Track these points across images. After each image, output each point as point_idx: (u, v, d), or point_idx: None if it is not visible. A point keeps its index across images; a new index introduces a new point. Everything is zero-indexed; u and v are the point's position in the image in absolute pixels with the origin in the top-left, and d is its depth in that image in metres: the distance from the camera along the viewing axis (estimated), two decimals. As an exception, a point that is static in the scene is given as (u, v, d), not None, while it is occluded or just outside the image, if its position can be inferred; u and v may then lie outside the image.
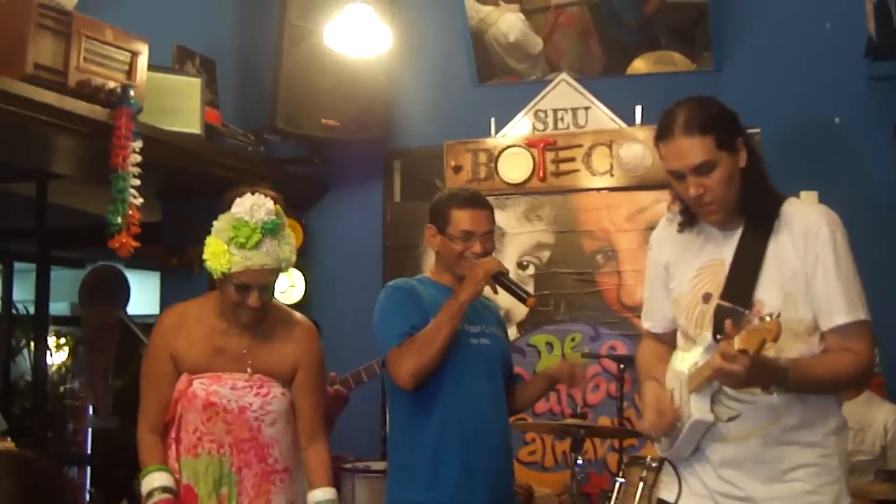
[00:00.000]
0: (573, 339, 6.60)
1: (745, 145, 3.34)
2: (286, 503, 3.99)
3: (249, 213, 3.76)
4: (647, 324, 3.76)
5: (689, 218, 3.48)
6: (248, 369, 3.95)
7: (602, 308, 6.56)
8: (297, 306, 6.67)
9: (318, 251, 7.20)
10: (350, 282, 7.07)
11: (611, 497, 5.08)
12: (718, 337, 3.21)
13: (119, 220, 5.03)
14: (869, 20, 5.88)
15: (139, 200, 5.12)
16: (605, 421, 6.30)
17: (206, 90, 6.20)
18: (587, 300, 6.61)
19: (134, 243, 5.11)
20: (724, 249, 3.41)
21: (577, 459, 5.23)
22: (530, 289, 6.57)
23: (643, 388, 3.57)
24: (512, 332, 6.50)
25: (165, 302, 6.35)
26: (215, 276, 3.84)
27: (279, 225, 3.85)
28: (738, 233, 3.39)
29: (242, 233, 3.75)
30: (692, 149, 3.26)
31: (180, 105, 5.91)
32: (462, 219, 4.19)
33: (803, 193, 6.15)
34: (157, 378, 3.96)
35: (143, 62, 5.27)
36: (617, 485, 5.08)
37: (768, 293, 3.29)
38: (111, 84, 5.07)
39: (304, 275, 7.03)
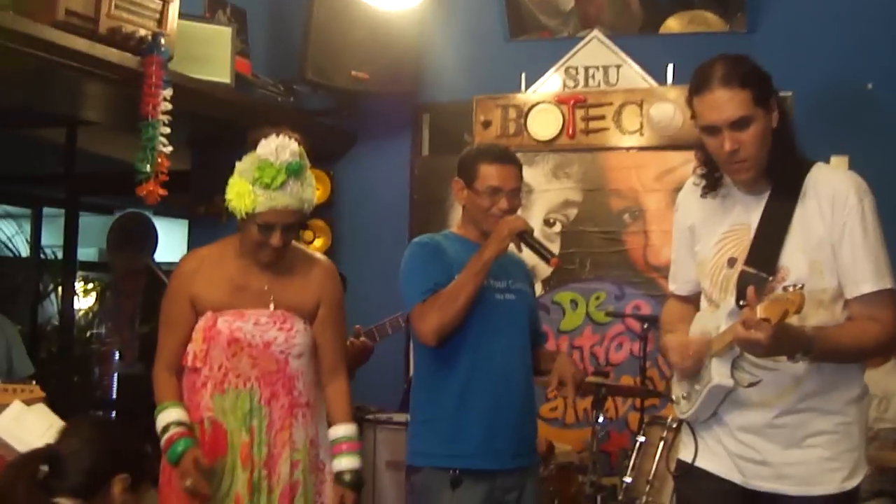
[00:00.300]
0: (598, 298, 6.60)
1: (778, 106, 3.32)
2: (306, 438, 4.01)
3: (275, 154, 3.78)
4: (672, 286, 3.76)
5: (712, 182, 3.46)
6: (271, 305, 3.98)
7: (628, 267, 6.56)
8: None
9: (346, 203, 7.20)
10: (377, 235, 7.09)
11: (630, 456, 5.11)
12: (742, 303, 3.21)
13: (147, 167, 5.05)
14: (906, -17, 5.83)
15: (168, 149, 5.13)
16: (627, 380, 6.30)
17: (237, 39, 6.19)
18: (613, 259, 6.61)
19: (161, 191, 5.12)
20: (750, 214, 3.39)
21: (597, 417, 5.25)
22: (556, 246, 6.59)
23: (664, 338, 3.58)
24: (537, 289, 6.47)
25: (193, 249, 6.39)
26: (238, 217, 3.86)
27: (303, 166, 3.88)
28: (765, 197, 3.36)
29: (267, 173, 3.77)
30: (731, 102, 3.22)
31: (211, 54, 5.90)
32: (490, 174, 4.17)
33: (834, 158, 6.13)
34: (175, 320, 3.99)
35: (174, 10, 5.25)
36: (637, 444, 5.11)
37: (793, 260, 3.28)
38: (142, 32, 5.06)
39: (330, 227, 7.05)
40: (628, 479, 5.03)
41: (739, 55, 3.33)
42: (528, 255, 4.24)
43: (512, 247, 4.25)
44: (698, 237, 3.54)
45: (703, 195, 3.48)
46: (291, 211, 3.87)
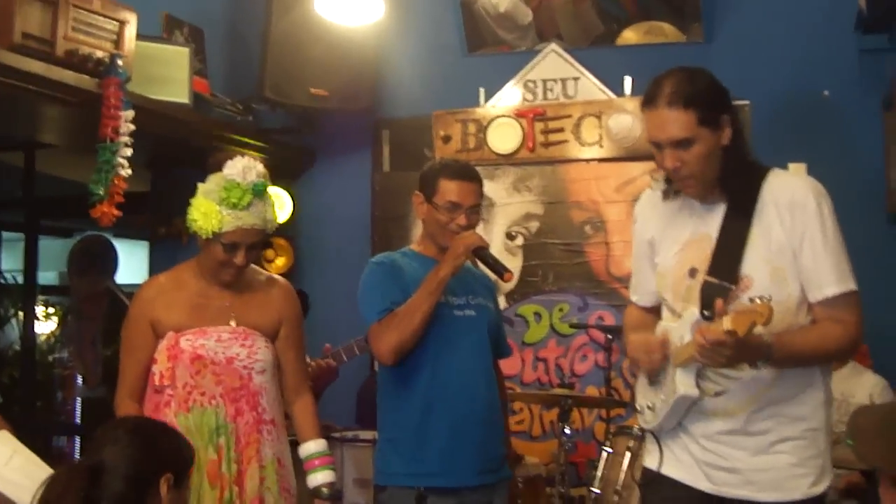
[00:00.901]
0: (561, 310, 6.62)
1: (731, 123, 3.31)
2: (273, 456, 4.00)
3: (242, 175, 3.86)
4: (634, 296, 3.75)
5: (674, 186, 3.46)
6: (233, 322, 4.00)
7: (590, 278, 6.58)
8: (284, 275, 6.70)
9: (307, 221, 7.19)
10: (338, 252, 7.08)
11: (598, 466, 5.11)
12: (706, 313, 3.22)
13: (102, 190, 5.03)
14: (860, -7, 5.89)
15: (127, 171, 5.11)
16: (592, 391, 6.32)
17: (195, 59, 6.18)
18: (575, 270, 6.63)
19: (115, 212, 5.10)
20: (709, 224, 3.39)
21: (564, 429, 5.27)
22: (518, 259, 6.62)
23: (628, 339, 3.60)
24: (500, 302, 6.47)
25: (154, 271, 6.32)
26: (203, 236, 3.88)
27: (266, 186, 3.96)
28: (723, 207, 3.37)
29: (234, 194, 3.83)
30: (673, 122, 3.23)
31: (169, 74, 5.89)
32: (450, 189, 4.17)
33: (792, 165, 6.15)
34: (137, 345, 3.99)
35: (131, 31, 5.25)
36: (604, 454, 5.11)
37: (755, 268, 3.28)
38: (99, 53, 5.05)
39: (291, 245, 7.04)
40: (596, 490, 5.03)
41: (696, 70, 3.33)
42: (514, 268, 4.24)
43: (473, 265, 4.27)
44: (658, 249, 3.54)
45: (664, 198, 3.48)
46: (257, 230, 3.93)
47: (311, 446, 4.11)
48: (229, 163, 3.89)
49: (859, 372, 5.51)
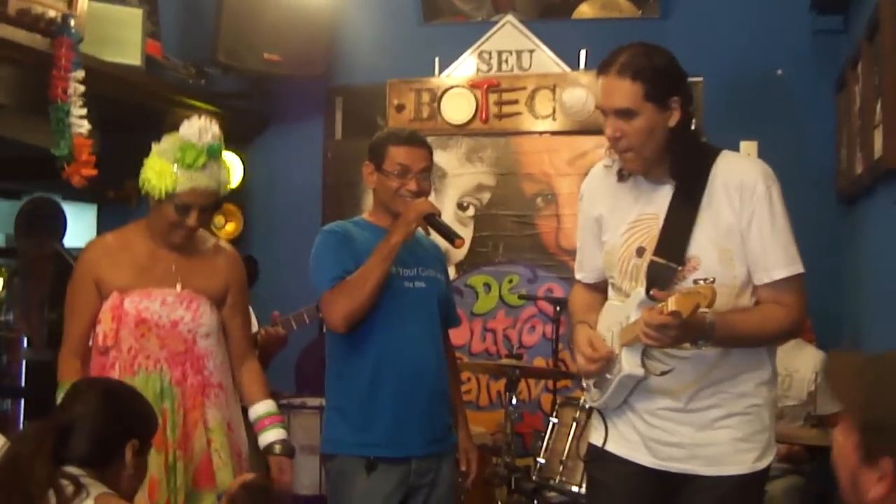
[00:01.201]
0: (511, 281, 6.64)
1: (682, 106, 3.30)
2: (221, 419, 3.99)
3: (197, 136, 3.83)
4: (579, 274, 3.75)
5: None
6: (178, 285, 3.97)
7: (540, 250, 6.60)
8: (234, 242, 6.67)
9: (258, 187, 7.16)
10: (289, 218, 7.06)
11: (544, 437, 5.14)
12: (652, 293, 3.22)
13: (65, 150, 4.98)
14: (814, -27, 5.92)
15: (85, 129, 5.07)
16: (540, 362, 6.35)
17: (148, 21, 6.13)
18: (526, 242, 6.65)
19: (90, 171, 5.07)
20: (657, 203, 3.38)
21: (511, 399, 5.29)
22: (469, 230, 6.63)
23: (575, 331, 3.56)
24: (450, 273, 6.51)
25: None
26: (156, 196, 3.85)
27: (221, 149, 3.94)
28: (672, 187, 3.36)
29: (189, 154, 3.81)
30: (618, 91, 3.24)
31: (121, 36, 5.84)
32: (398, 154, 4.16)
33: (743, 143, 6.22)
34: (81, 304, 3.96)
35: (84, -9, 5.19)
36: (550, 425, 5.13)
37: (703, 249, 3.28)
38: (51, 13, 4.98)
39: (242, 211, 7.01)
40: (541, 460, 5.06)
41: (657, 48, 3.32)
42: (439, 238, 4.24)
43: (424, 232, 4.27)
44: (606, 226, 3.53)
45: (619, 179, 3.46)
46: (210, 192, 3.90)
47: (260, 407, 4.10)
48: (185, 123, 3.86)
49: (802, 347, 5.56)
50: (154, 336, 3.89)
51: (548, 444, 5.09)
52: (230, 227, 6.93)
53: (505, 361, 5.63)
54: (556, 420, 5.12)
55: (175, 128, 3.88)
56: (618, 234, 3.46)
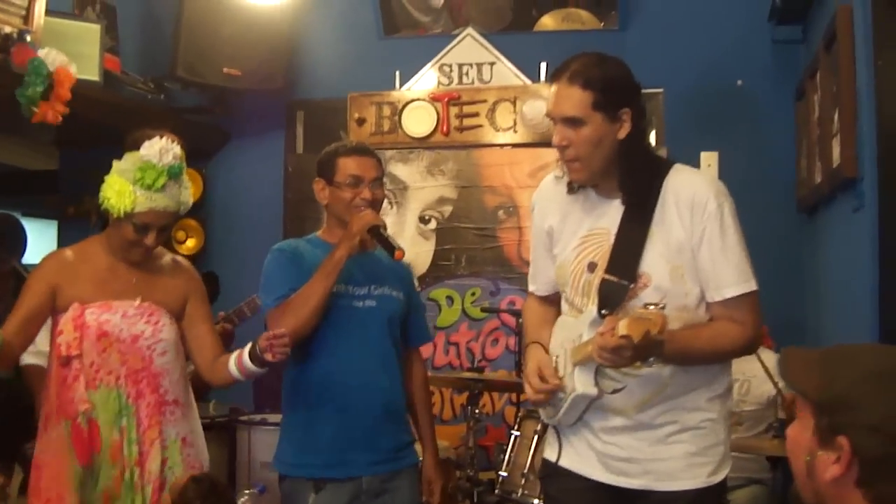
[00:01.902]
0: (473, 294, 6.63)
1: (634, 119, 3.27)
2: (176, 435, 3.96)
3: (158, 156, 3.81)
4: (532, 286, 3.73)
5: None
6: (138, 298, 3.94)
7: (502, 263, 6.60)
8: (195, 257, 6.65)
9: (219, 202, 7.13)
10: (250, 234, 7.03)
11: (506, 450, 5.13)
12: (603, 312, 3.21)
13: (41, 87, 4.91)
14: (773, -17, 5.95)
15: (65, 62, 5.02)
16: (503, 374, 6.33)
17: (107, 36, 6.08)
18: (488, 255, 6.65)
19: (61, 109, 5.03)
20: (609, 218, 3.35)
21: (473, 412, 5.28)
22: (431, 243, 6.62)
23: (527, 352, 3.54)
24: (413, 286, 6.54)
25: (62, 251, 6.28)
26: (115, 214, 3.82)
27: (182, 169, 3.93)
28: (623, 202, 3.34)
29: (149, 175, 3.79)
30: (567, 99, 3.22)
31: (79, 51, 5.77)
32: (349, 165, 4.12)
33: (704, 154, 6.26)
34: (26, 298, 3.89)
35: (41, 7, 5.15)
36: (512, 437, 5.12)
37: (654, 266, 3.26)
38: (7, 29, 4.95)
39: (203, 226, 6.97)
40: (504, 474, 5.05)
41: (611, 59, 3.29)
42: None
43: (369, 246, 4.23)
44: (557, 239, 3.50)
45: (569, 191, 3.43)
46: (169, 213, 3.90)
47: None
48: (146, 143, 3.83)
49: (761, 352, 5.57)
50: (115, 351, 3.87)
51: (510, 457, 5.08)
52: (191, 243, 6.90)
53: (466, 374, 5.63)
54: (517, 433, 5.11)
55: (136, 142, 3.85)
56: (569, 248, 3.44)
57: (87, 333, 3.85)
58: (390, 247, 4.02)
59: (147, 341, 3.92)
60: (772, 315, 5.64)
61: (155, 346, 3.94)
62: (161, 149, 3.82)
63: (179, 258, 4.27)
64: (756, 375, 5.40)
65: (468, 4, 6.97)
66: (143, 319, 3.93)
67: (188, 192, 4.00)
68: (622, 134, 3.26)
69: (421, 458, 4.35)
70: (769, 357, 5.41)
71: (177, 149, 3.89)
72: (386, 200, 4.14)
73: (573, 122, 3.22)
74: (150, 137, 3.86)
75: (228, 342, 5.08)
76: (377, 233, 4.03)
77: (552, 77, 3.30)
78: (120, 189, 3.79)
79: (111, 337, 3.86)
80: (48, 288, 3.89)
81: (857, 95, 4.39)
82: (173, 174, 3.86)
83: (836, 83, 4.77)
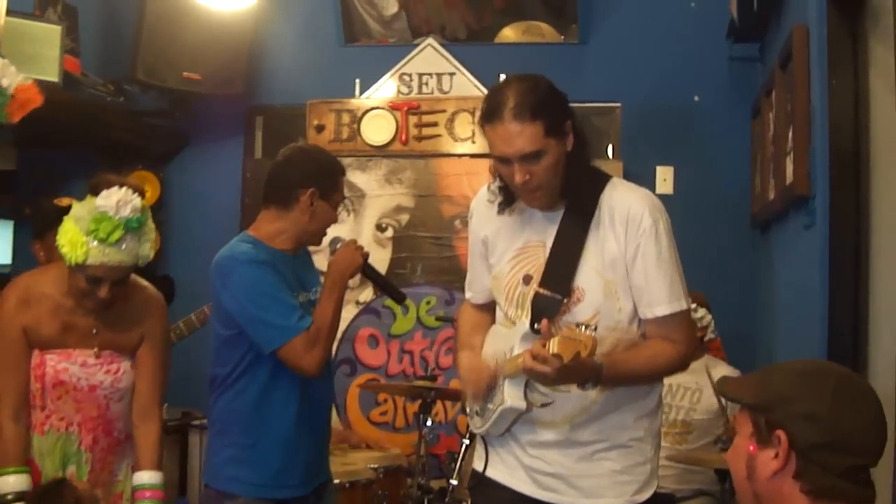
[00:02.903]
0: (428, 303, 6.65)
1: (573, 128, 3.26)
2: (126, 466, 3.99)
3: (115, 209, 3.65)
4: (468, 293, 3.72)
5: (508, 198, 3.37)
6: (95, 349, 3.87)
7: (458, 272, 6.59)
8: (152, 261, 6.62)
9: (176, 206, 7.11)
10: (207, 238, 6.92)
11: (456, 458, 5.14)
12: (536, 326, 3.20)
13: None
14: (731, 2, 6.00)
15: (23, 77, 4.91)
16: (456, 383, 6.33)
17: (67, 38, 6.05)
18: (444, 264, 6.67)
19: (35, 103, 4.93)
20: (544, 232, 3.35)
21: (425, 421, 5.29)
22: (387, 252, 6.65)
23: (459, 356, 3.53)
24: (367, 293, 6.56)
25: (18, 252, 6.22)
26: (67, 264, 3.70)
27: (143, 221, 3.76)
28: (559, 215, 3.33)
29: (104, 228, 3.64)
30: (521, 136, 3.12)
31: (39, 52, 5.76)
32: (344, 187, 4.14)
33: (660, 168, 6.30)
34: (15, 358, 3.81)
35: (1, 6, 5.13)
36: (463, 446, 5.14)
37: (588, 280, 3.26)
38: (-33, 28, 4.94)
39: (159, 230, 6.93)
40: (454, 482, 5.06)
41: (534, 77, 3.24)
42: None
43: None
44: (492, 250, 3.49)
45: (500, 211, 3.40)
46: (124, 267, 3.75)
47: (145, 476, 3.91)
48: (104, 192, 3.67)
49: (714, 364, 5.60)
50: (71, 399, 3.84)
51: (460, 465, 5.10)
52: (147, 247, 6.86)
53: (418, 383, 5.64)
54: (467, 441, 5.12)
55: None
56: (504, 260, 3.44)
57: (44, 381, 3.81)
58: (395, 295, 4.22)
59: (105, 391, 3.88)
60: (725, 328, 5.72)
61: (112, 394, 3.90)
62: (119, 201, 3.66)
63: (148, 289, 4.10)
64: (708, 384, 5.44)
65: (429, 15, 6.98)
66: (104, 370, 3.87)
67: (149, 244, 3.82)
68: (569, 146, 3.25)
69: None
70: (722, 369, 5.46)
71: (136, 201, 3.71)
72: (343, 208, 4.09)
73: (533, 156, 3.16)
74: (109, 185, 3.70)
75: None
76: (370, 272, 4.13)
77: (488, 118, 3.19)
78: (73, 239, 3.65)
79: (67, 385, 3.82)
80: (22, 334, 3.81)
81: (811, 114, 4.44)
82: (130, 228, 3.69)
83: (790, 101, 4.82)
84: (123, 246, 3.68)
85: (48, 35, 5.88)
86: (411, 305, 6.64)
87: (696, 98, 6.67)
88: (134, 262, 3.76)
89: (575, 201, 3.32)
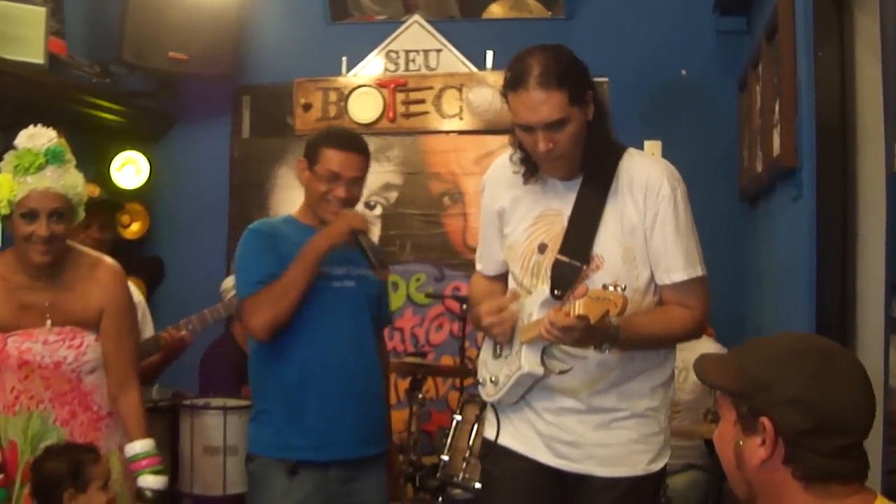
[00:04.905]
0: (418, 280, 6.66)
1: (594, 98, 3.28)
2: (114, 446, 3.96)
3: (30, 141, 3.77)
4: (479, 265, 3.73)
5: (531, 168, 3.39)
6: (48, 322, 3.87)
7: (447, 249, 6.63)
8: (139, 241, 6.63)
9: (164, 187, 7.06)
10: (196, 218, 7.00)
11: (448, 434, 5.15)
12: (556, 292, 3.22)
13: None
14: (717, -25, 6.00)
15: None
16: (447, 360, 6.38)
17: (53, 19, 6.02)
18: (433, 241, 6.68)
19: None
20: (562, 200, 3.37)
21: (416, 397, 5.30)
22: (377, 229, 6.65)
23: (477, 309, 3.50)
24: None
25: (7, 239, 6.22)
26: (3, 212, 3.76)
27: (62, 153, 3.83)
28: (578, 184, 3.35)
29: (25, 159, 3.73)
30: (547, 104, 3.15)
31: (23, 34, 5.73)
32: (331, 159, 4.05)
33: (647, 142, 6.29)
34: None
35: (-16, -11, 5.13)
36: (454, 422, 5.15)
37: (607, 248, 3.29)
38: (-50, 9, 4.92)
39: (147, 210, 6.94)
40: (445, 458, 5.07)
41: (559, 48, 3.26)
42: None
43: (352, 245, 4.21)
44: (507, 220, 3.50)
45: (526, 181, 3.41)
46: (53, 194, 3.77)
47: (137, 446, 3.94)
48: (20, 133, 3.82)
49: (700, 340, 5.61)
50: (38, 377, 3.84)
51: (451, 441, 5.11)
52: (135, 227, 6.86)
53: (408, 360, 5.65)
54: (459, 417, 5.13)
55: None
56: (520, 228, 3.45)
57: (8, 362, 3.81)
58: (371, 259, 4.02)
59: (70, 366, 3.87)
60: (713, 303, 5.68)
61: (80, 368, 3.90)
62: (32, 134, 3.80)
63: (106, 259, 4.11)
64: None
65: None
66: (66, 345, 3.87)
67: (76, 178, 3.86)
68: (591, 115, 3.27)
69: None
70: (710, 346, 5.47)
71: (51, 133, 3.83)
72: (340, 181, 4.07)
73: (558, 124, 3.18)
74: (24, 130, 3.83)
75: (183, 348, 5.04)
76: (359, 239, 4.01)
77: (513, 86, 3.22)
78: (1, 183, 3.73)
79: (32, 364, 3.82)
80: None
81: (798, 86, 4.44)
82: (53, 156, 3.78)
83: (777, 74, 4.82)
84: (48, 173, 3.76)
85: (33, 17, 5.85)
86: (401, 282, 6.65)
87: (684, 72, 6.66)
88: (63, 191, 3.80)
89: (594, 170, 3.34)
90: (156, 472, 3.94)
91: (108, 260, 4.12)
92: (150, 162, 6.89)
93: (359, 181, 4.16)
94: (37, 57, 5.79)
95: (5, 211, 3.75)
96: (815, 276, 4.11)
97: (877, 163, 4.02)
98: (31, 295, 3.88)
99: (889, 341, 4.00)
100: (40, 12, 5.89)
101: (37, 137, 3.78)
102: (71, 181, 3.83)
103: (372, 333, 4.25)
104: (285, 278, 3.95)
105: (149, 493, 3.90)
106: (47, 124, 3.92)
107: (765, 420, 2.12)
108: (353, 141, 4.18)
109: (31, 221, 3.75)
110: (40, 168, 3.74)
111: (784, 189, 4.81)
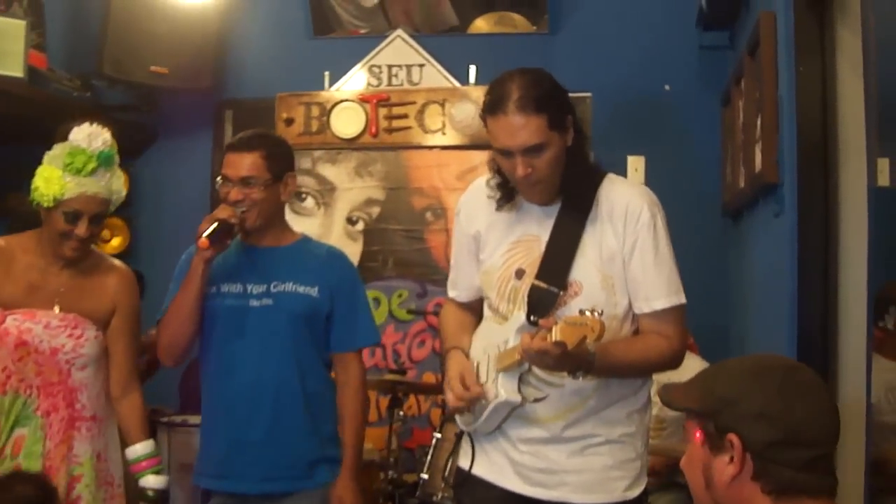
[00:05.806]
0: (400, 296, 6.62)
1: (574, 123, 3.26)
2: (91, 452, 3.92)
3: (87, 141, 3.78)
4: (452, 292, 3.66)
5: (507, 193, 3.37)
6: (56, 308, 3.87)
7: (429, 265, 6.59)
8: (120, 256, 6.56)
9: (145, 201, 7.05)
10: (177, 232, 6.83)
11: (428, 452, 5.12)
12: (533, 318, 3.19)
13: None
14: (700, -10, 5.99)
15: None
16: (429, 377, 6.34)
17: (33, 33, 6.01)
18: (415, 257, 6.63)
19: None
20: (540, 225, 3.34)
21: (396, 415, 5.27)
22: (359, 245, 6.62)
23: (447, 357, 3.48)
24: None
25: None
26: (45, 204, 3.77)
27: (113, 156, 3.89)
28: (556, 209, 3.32)
29: (79, 159, 3.75)
30: (525, 129, 3.13)
31: (3, 47, 5.72)
32: (224, 162, 3.95)
33: (631, 158, 6.29)
34: None
35: (-37, 3, 5.10)
36: (434, 440, 5.12)
37: (585, 274, 3.26)
38: (-72, 22, 4.89)
39: (128, 225, 6.91)
40: (425, 476, 5.04)
41: (538, 71, 3.24)
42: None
43: (314, 241, 4.16)
44: (484, 244, 3.46)
45: (499, 208, 3.39)
46: (100, 199, 3.84)
47: (139, 448, 4.00)
48: (76, 129, 3.81)
49: (686, 357, 5.59)
50: (32, 361, 3.82)
51: (431, 459, 5.07)
52: (116, 242, 6.84)
53: (388, 377, 5.61)
54: (439, 435, 5.10)
55: (66, 133, 3.81)
56: (498, 253, 3.41)
57: (6, 340, 3.80)
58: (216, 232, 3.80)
59: (66, 355, 3.86)
60: (697, 319, 5.65)
61: (74, 360, 3.88)
62: (90, 133, 3.80)
63: (118, 262, 4.17)
64: (681, 380, 5.42)
65: (411, 7, 6.94)
66: (66, 333, 3.86)
67: (120, 181, 3.95)
68: (569, 140, 3.24)
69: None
70: (694, 362, 5.44)
71: (106, 134, 3.86)
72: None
73: (536, 149, 3.16)
74: (79, 125, 3.82)
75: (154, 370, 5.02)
76: (212, 234, 3.80)
77: (492, 110, 3.19)
78: (49, 176, 3.75)
79: (29, 347, 3.81)
80: None
81: (779, 101, 4.42)
82: (104, 159, 3.82)
83: (759, 89, 4.81)
84: (98, 177, 3.81)
85: (13, 30, 5.84)
86: (383, 298, 6.61)
87: (667, 87, 6.66)
88: (109, 195, 3.87)
89: (572, 196, 3.31)
90: (157, 472, 3.99)
91: (121, 263, 4.20)
92: (130, 176, 6.84)
93: (251, 181, 3.90)
94: (16, 70, 5.78)
95: (49, 205, 3.76)
96: (797, 291, 4.09)
97: (858, 178, 4.00)
98: (45, 278, 3.91)
99: (871, 356, 3.99)
100: (20, 25, 5.87)
101: (93, 139, 3.79)
102: (116, 185, 3.91)
103: (305, 354, 4.00)
104: (172, 303, 3.93)
105: (151, 493, 3.95)
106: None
107: (732, 436, 2.14)
108: (241, 140, 4.02)
109: (73, 222, 3.79)
110: (92, 172, 3.77)
111: (766, 204, 4.79)
